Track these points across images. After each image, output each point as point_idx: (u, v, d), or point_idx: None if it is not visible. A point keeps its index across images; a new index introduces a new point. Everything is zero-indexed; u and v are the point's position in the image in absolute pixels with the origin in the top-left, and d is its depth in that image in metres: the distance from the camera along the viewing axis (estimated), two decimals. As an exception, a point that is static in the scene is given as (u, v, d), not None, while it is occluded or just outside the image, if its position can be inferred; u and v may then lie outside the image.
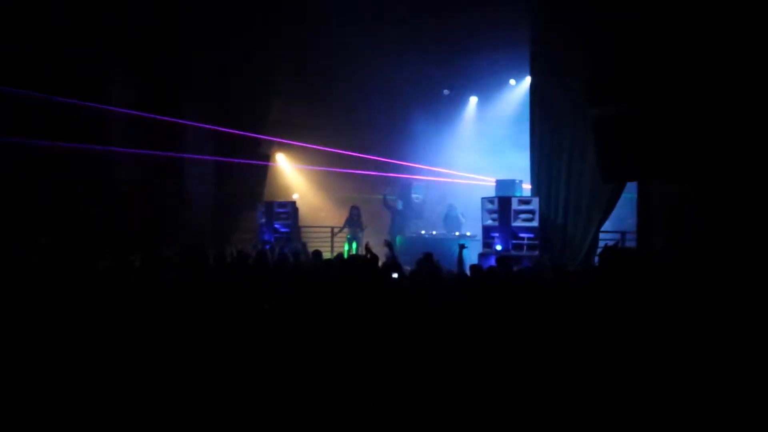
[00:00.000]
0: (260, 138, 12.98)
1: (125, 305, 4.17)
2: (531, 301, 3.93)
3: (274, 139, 13.72)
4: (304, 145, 13.93)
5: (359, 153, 13.83)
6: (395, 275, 5.34)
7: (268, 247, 11.33)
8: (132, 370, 3.47)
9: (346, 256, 9.68)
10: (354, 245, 11.98)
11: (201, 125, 11.29)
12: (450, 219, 12.44)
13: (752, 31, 6.04)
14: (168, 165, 11.12)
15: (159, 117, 10.62)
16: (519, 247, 9.22)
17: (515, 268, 6.18)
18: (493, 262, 7.74)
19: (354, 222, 12.17)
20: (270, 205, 12.07)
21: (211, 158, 11.81)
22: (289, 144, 14.23)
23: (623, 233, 8.93)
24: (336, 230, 12.63)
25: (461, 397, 2.94)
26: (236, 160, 12.12)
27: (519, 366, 3.34)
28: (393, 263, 5.97)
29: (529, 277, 5.10)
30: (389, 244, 7.54)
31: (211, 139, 11.82)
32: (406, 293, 4.59)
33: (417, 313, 3.96)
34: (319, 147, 13.72)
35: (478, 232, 10.25)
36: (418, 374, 3.24)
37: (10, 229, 8.25)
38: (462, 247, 7.38)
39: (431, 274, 5.19)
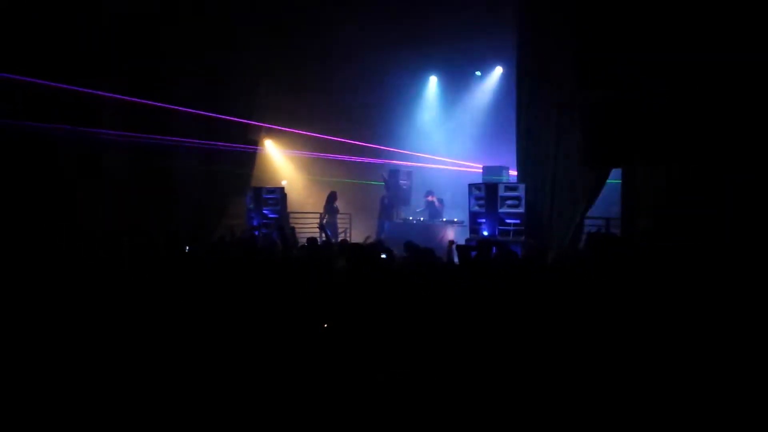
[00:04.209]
0: (248, 123, 12.91)
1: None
2: (511, 285, 3.97)
3: (262, 124, 13.68)
4: (291, 130, 13.93)
5: (346, 139, 13.89)
6: (383, 256, 5.37)
7: (257, 233, 11.36)
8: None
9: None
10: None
11: (189, 110, 11.16)
12: (429, 205, 12.57)
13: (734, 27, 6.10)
14: (156, 148, 11.02)
15: (149, 102, 10.53)
16: (506, 233, 9.29)
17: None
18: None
19: (330, 208, 12.32)
20: (258, 191, 12.06)
21: (198, 142, 11.69)
22: (277, 130, 14.20)
23: (608, 219, 8.98)
24: (323, 216, 12.69)
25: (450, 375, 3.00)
26: (224, 144, 12.03)
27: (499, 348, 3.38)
28: (380, 244, 6.00)
29: (510, 260, 5.13)
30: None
31: (199, 123, 11.69)
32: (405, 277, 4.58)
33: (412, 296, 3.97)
34: (305, 132, 13.73)
35: (466, 219, 10.33)
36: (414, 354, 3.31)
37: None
38: (452, 243, 7.43)
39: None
